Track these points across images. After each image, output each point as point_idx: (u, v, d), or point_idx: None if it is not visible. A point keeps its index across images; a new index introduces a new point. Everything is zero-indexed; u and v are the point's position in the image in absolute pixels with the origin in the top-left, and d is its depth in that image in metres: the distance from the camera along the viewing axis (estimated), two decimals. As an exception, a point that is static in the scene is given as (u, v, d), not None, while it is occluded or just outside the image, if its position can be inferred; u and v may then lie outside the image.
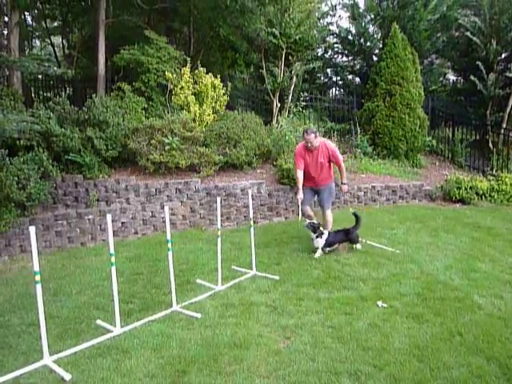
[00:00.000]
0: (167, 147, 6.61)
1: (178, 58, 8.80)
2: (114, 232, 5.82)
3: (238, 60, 11.59)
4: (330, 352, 3.07)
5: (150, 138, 6.68)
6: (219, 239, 4.27)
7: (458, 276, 4.54)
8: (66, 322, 3.48)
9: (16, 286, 4.31)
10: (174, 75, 8.22)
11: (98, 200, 5.92)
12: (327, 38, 13.04)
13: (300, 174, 5.23)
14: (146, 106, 8.09)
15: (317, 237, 5.20)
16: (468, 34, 11.05)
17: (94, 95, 7.08)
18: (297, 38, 9.49)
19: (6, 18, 8.86)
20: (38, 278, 2.84)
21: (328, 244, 5.24)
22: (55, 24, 13.17)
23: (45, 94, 12.02)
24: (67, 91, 6.68)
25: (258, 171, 7.71)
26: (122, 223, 5.92)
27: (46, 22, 12.47)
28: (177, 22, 11.31)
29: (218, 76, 8.63)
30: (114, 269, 3.30)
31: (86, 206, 5.85)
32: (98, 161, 6.18)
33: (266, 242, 5.70)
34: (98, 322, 3.48)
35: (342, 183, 5.61)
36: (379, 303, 3.84)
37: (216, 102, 8.42)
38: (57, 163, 5.79)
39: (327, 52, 13.70)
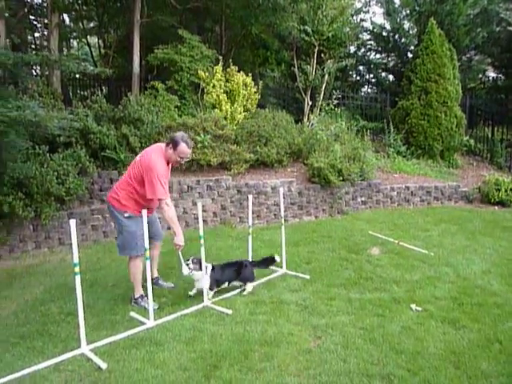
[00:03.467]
0: (199, 145, 6.70)
1: (211, 57, 8.89)
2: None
3: (269, 58, 11.59)
4: (362, 353, 3.02)
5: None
6: (250, 237, 4.29)
7: (497, 281, 4.37)
8: (102, 313, 3.59)
9: (55, 276, 4.49)
10: (207, 74, 8.31)
11: (132, 196, 6.06)
12: (360, 35, 12.83)
13: (171, 206, 3.69)
14: (178, 104, 8.22)
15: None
16: (510, 28, 10.58)
17: (129, 94, 7.26)
18: (329, 35, 9.39)
19: (46, 20, 9.24)
20: (77, 269, 2.95)
21: (215, 282, 3.90)
22: (92, 25, 13.59)
23: (81, 93, 12.47)
24: (103, 90, 6.88)
25: (289, 169, 7.68)
26: (158, 218, 6.03)
27: (83, 23, 12.89)
28: (209, 21, 11.44)
29: (250, 74, 8.66)
30: (148, 263, 3.38)
31: (120, 202, 5.99)
32: (131, 157, 6.32)
33: (296, 241, 5.68)
34: (132, 314, 3.57)
35: None
36: (413, 306, 3.75)
37: (247, 101, 8.45)
38: (93, 159, 5.98)
39: (360, 49, 13.49)
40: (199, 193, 6.48)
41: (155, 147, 3.79)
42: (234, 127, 7.64)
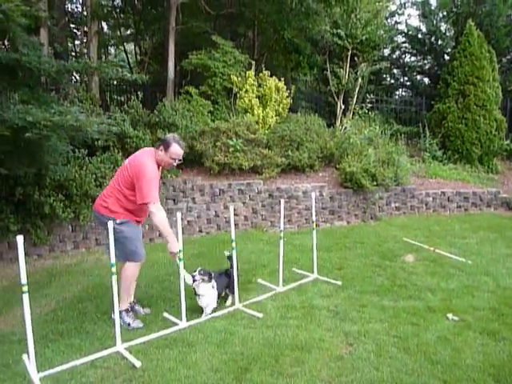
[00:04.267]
0: (231, 149, 6.77)
1: (243, 62, 8.98)
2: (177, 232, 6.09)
3: (301, 62, 11.57)
4: (396, 362, 2.94)
5: (215, 140, 6.88)
6: (282, 241, 4.28)
7: (541, 292, 4.14)
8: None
9: (92, 276, 4.65)
10: (239, 78, 8.40)
11: (166, 198, 6.21)
12: (395, 38, 12.61)
13: (162, 211, 3.52)
14: (211, 109, 8.35)
15: (213, 286, 3.64)
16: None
17: (164, 99, 7.45)
18: (363, 38, 9.29)
19: (86, 28, 9.64)
20: (113, 269, 3.04)
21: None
22: (128, 32, 14.06)
23: (118, 98, 12.88)
24: (139, 95, 7.10)
25: (320, 174, 7.62)
26: (188, 221, 6.15)
27: (120, 31, 13.35)
28: (242, 27, 11.56)
29: (282, 79, 8.68)
30: (181, 264, 3.44)
31: (154, 204, 6.15)
32: (166, 162, 6.48)
33: (327, 246, 5.62)
34: (165, 314, 3.65)
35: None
36: (449, 316, 3.62)
37: (279, 105, 8.47)
38: (129, 163, 6.15)
39: (394, 52, 13.26)
40: (231, 196, 6.54)
41: (145, 150, 3.62)
42: (266, 131, 7.67)
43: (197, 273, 3.57)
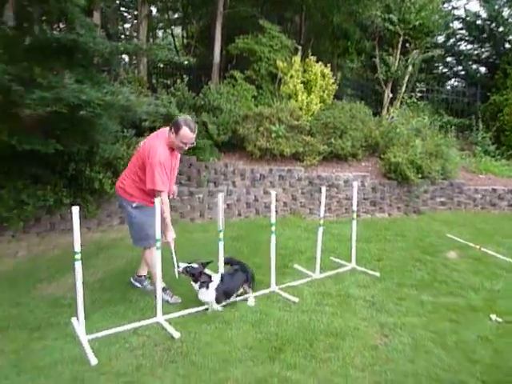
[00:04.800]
0: (274, 135, 6.77)
1: (290, 47, 8.87)
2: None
3: (349, 48, 11.25)
4: (432, 357, 2.90)
5: (258, 125, 6.90)
6: (321, 228, 4.27)
7: None
8: (176, 288, 3.82)
9: (136, 251, 4.83)
10: (285, 64, 8.32)
11: (208, 181, 6.34)
12: (451, 24, 11.95)
13: (167, 199, 3.41)
14: (255, 94, 8.34)
15: (201, 287, 3.36)
16: None
17: (209, 82, 7.53)
18: (416, 23, 8.88)
19: (136, 12, 9.88)
20: (158, 244, 3.17)
21: (224, 294, 3.44)
22: (176, 15, 14.25)
23: (163, 81, 13.16)
24: (184, 78, 7.22)
25: (363, 164, 7.47)
26: (228, 205, 6.25)
27: (168, 14, 13.55)
28: (289, 11, 11.37)
29: (328, 65, 8.51)
30: (221, 244, 3.54)
31: (197, 186, 6.31)
32: (210, 144, 6.60)
33: (367, 237, 5.53)
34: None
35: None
36: (493, 317, 3.49)
37: (324, 91, 8.33)
38: (174, 144, 6.32)
39: (449, 39, 12.58)
40: (271, 182, 6.57)
41: (159, 132, 3.50)
42: (309, 118, 7.58)
43: (181, 268, 3.37)
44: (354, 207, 4.64)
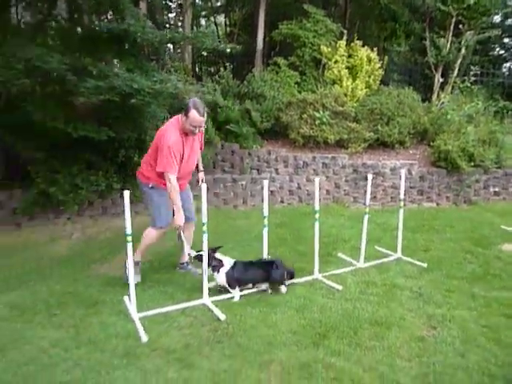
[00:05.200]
0: (317, 121, 6.68)
1: (335, 31, 8.67)
2: (263, 199, 6.25)
3: (397, 31, 10.82)
4: (484, 352, 2.78)
5: (301, 111, 6.83)
6: (366, 216, 4.20)
7: None
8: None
9: (182, 234, 5.00)
10: (329, 49, 8.14)
11: (251, 168, 6.39)
12: (509, 2, 11.14)
13: (176, 182, 3.36)
14: (298, 80, 8.26)
15: (213, 270, 3.42)
16: None
17: (253, 69, 7.53)
18: (471, 2, 8.37)
19: (180, 1, 9.98)
20: (204, 228, 3.26)
21: (236, 281, 3.42)
22: (219, 3, 14.27)
23: (207, 69, 13.29)
24: (226, 66, 7.25)
25: (411, 151, 7.22)
26: (271, 192, 6.27)
27: (211, 2, 13.59)
28: (334, -6, 11.10)
29: (375, 49, 8.24)
30: (266, 230, 3.57)
31: (239, 173, 6.39)
32: (253, 132, 6.63)
33: (413, 227, 5.37)
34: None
35: (201, 170, 3.98)
36: (551, 313, 3.29)
37: (370, 77, 8.09)
38: (218, 132, 6.41)
39: (507, 18, 11.76)
40: (314, 169, 6.51)
41: (173, 118, 3.47)
42: (355, 104, 7.41)
43: (193, 254, 3.47)
44: (402, 196, 4.51)
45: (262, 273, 3.47)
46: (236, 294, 3.41)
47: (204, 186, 3.27)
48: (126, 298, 3.31)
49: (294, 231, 5.14)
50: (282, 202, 6.40)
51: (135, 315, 3.04)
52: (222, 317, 3.07)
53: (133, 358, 2.60)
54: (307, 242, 4.72)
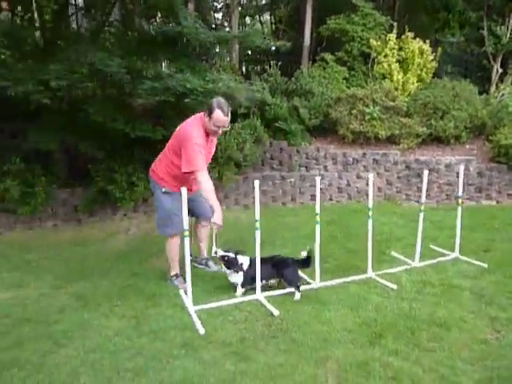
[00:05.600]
0: (367, 117, 6.54)
1: (384, 24, 8.44)
2: (311, 196, 6.24)
3: (450, 21, 10.31)
4: (558, 360, 2.61)
5: (351, 107, 6.72)
6: (421, 214, 4.06)
7: None
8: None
9: (231, 231, 5.07)
10: (378, 42, 7.94)
11: (299, 165, 6.38)
12: None
13: (209, 178, 3.23)
14: (347, 75, 8.13)
15: (235, 271, 3.41)
16: None
17: (301, 66, 7.50)
18: (535, -14, 7.81)
19: (228, 1, 10.12)
20: (257, 224, 3.30)
21: (251, 279, 3.39)
22: (263, 2, 14.33)
23: (253, 67, 13.38)
24: (274, 64, 7.26)
25: (467, 146, 6.88)
26: (320, 189, 6.20)
27: (256, 1, 13.67)
28: (383, -14, 10.78)
29: (427, 41, 7.92)
30: (318, 227, 3.55)
31: (288, 170, 6.39)
32: (301, 129, 6.61)
33: (471, 226, 5.11)
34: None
35: None
36: None
37: (422, 70, 7.80)
38: (267, 129, 6.45)
39: None
40: (364, 166, 6.38)
41: (195, 117, 3.36)
42: (406, 98, 7.17)
43: (220, 254, 3.37)
44: (460, 193, 4.31)
45: (272, 269, 3.44)
46: (239, 292, 3.38)
47: (257, 183, 3.31)
48: (181, 291, 3.43)
49: (344, 229, 5.08)
50: (330, 199, 6.33)
51: (191, 308, 3.14)
52: (276, 312, 3.09)
53: (191, 349, 2.69)
54: (358, 240, 4.64)
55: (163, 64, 5.94)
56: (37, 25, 4.93)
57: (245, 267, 3.38)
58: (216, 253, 3.34)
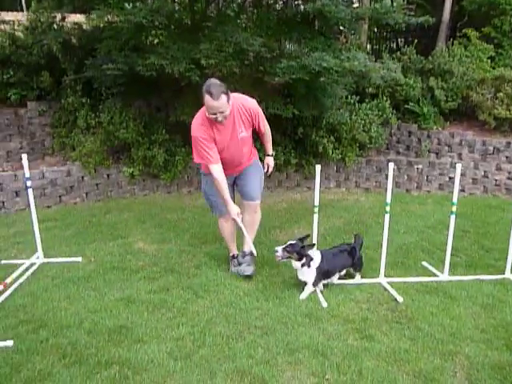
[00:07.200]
0: (516, 101, 5.79)
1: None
2: (439, 185, 5.85)
3: None
4: None
5: (496, 90, 6.00)
6: None
7: None
8: (395, 255, 3.87)
9: (352, 213, 5.07)
10: (539, 15, 6.86)
11: (429, 151, 5.99)
12: None
13: (220, 172, 2.99)
14: (492, 54, 7.23)
15: (303, 265, 3.05)
16: None
17: (438, 43, 6.90)
18: None
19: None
20: (387, 208, 3.26)
21: (324, 274, 3.10)
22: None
23: (378, 46, 12.63)
24: (399, 42, 6.78)
25: None
26: (450, 178, 5.77)
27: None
28: None
29: None
30: (453, 217, 3.37)
31: (415, 156, 6.05)
32: (434, 112, 6.15)
33: None
34: (424, 263, 3.70)
35: (267, 155, 3.52)
36: None
37: None
38: (395, 111, 6.16)
39: None
40: (507, 157, 5.71)
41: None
42: None
43: (280, 248, 3.07)
44: None
45: (347, 258, 3.26)
46: (307, 291, 3.11)
47: (391, 166, 3.24)
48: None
49: (478, 224, 4.67)
50: (462, 190, 5.81)
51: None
52: (400, 299, 3.06)
53: (314, 319, 2.83)
54: (494, 238, 4.29)
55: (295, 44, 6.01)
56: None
57: (317, 262, 3.07)
58: (277, 251, 3.07)
